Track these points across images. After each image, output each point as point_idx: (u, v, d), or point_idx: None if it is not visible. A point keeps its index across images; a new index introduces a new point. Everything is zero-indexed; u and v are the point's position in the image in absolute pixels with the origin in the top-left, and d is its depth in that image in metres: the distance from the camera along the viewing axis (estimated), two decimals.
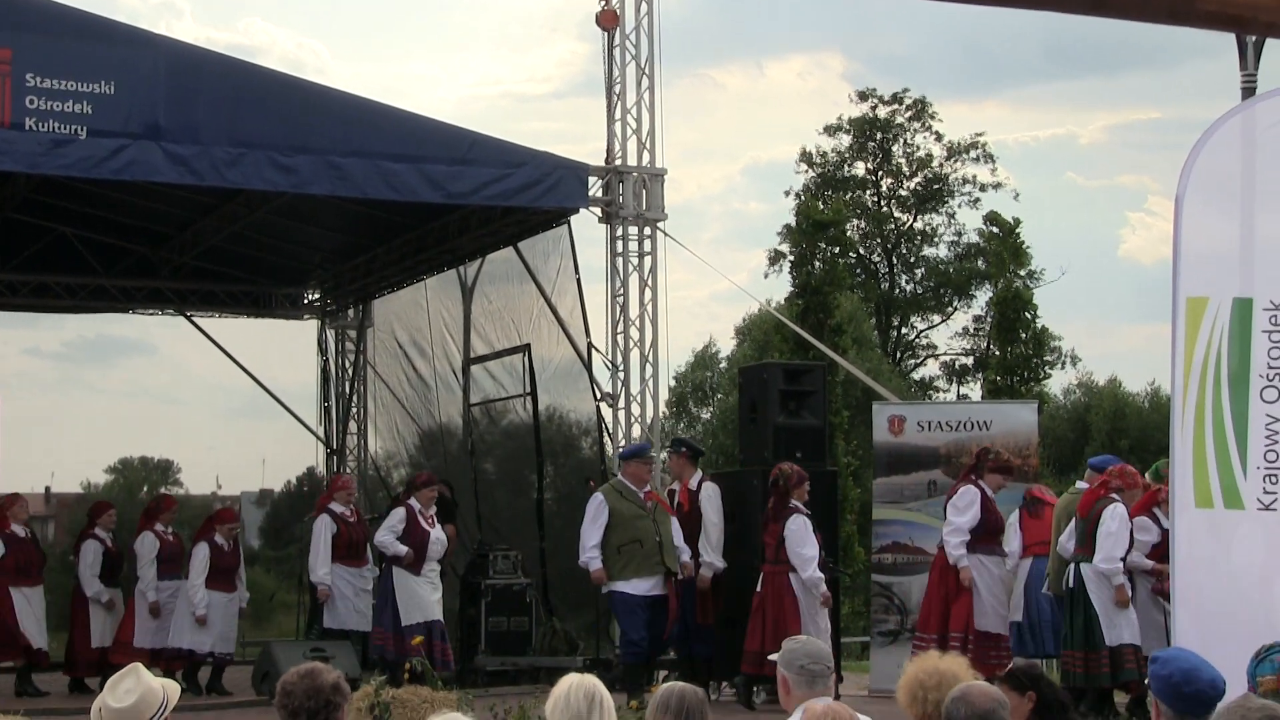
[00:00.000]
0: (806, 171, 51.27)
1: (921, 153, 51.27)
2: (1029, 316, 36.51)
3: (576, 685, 5.53)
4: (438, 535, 14.43)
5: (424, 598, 14.21)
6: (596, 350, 15.91)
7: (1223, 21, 5.72)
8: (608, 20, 15.64)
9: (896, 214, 52.29)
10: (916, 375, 51.57)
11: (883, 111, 50.99)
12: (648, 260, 15.53)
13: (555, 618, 16.18)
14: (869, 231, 51.99)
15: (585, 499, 15.44)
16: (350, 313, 20.97)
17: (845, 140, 51.14)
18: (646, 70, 15.68)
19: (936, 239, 52.06)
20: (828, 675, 6.25)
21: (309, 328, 21.25)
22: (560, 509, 17.40)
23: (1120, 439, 40.74)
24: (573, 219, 15.96)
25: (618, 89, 15.68)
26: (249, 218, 17.32)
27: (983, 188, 50.75)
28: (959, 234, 51.60)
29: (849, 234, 44.95)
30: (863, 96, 51.19)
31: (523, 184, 14.65)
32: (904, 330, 52.92)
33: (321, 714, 5.43)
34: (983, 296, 49.67)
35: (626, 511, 13.42)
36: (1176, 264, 9.40)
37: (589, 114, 73.15)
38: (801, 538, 13.04)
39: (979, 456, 13.31)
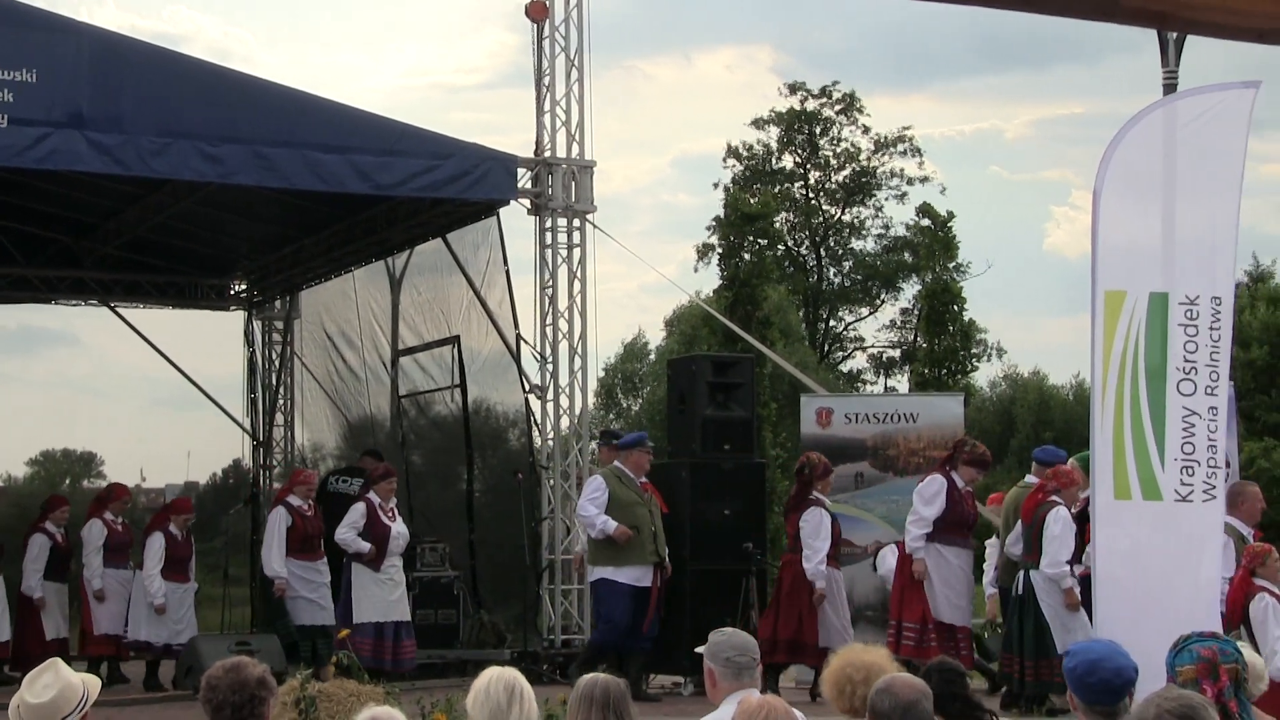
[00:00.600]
0: (734, 165, 51.45)
1: (849, 146, 51.54)
2: (957, 309, 36.82)
3: (496, 678, 5.51)
4: (399, 529, 14.17)
5: (381, 596, 13.92)
6: (525, 342, 15.88)
7: (1146, 18, 5.78)
8: (537, 12, 15.59)
9: (825, 207, 52.52)
10: (844, 368, 51.86)
11: (811, 105, 51.20)
12: (577, 252, 15.50)
13: (483, 610, 16.15)
14: (797, 224, 52.20)
15: (514, 491, 15.45)
16: (277, 304, 20.84)
17: (774, 133, 51.33)
18: (576, 62, 15.66)
19: (864, 232, 52.37)
20: (754, 667, 6.28)
21: (235, 319, 21.11)
22: (488, 501, 17.38)
23: (1045, 431, 41.12)
24: (502, 211, 15.92)
25: (547, 81, 15.65)
26: (174, 208, 17.17)
27: (910, 181, 51.13)
28: (886, 227, 51.96)
29: (777, 226, 45.13)
30: (792, 89, 51.40)
31: (451, 175, 14.59)
32: (832, 323, 53.18)
33: (246, 708, 5.40)
34: (910, 290, 50.04)
35: (625, 498, 13.30)
36: (1095, 257, 9.50)
37: (518, 105, 72.95)
38: (815, 529, 13.09)
39: (955, 447, 13.12)
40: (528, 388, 15.80)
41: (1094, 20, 5.54)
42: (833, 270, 53.13)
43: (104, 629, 15.09)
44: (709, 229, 47.53)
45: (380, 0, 75.46)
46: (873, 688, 5.57)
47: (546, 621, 15.24)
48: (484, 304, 16.65)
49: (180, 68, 13.97)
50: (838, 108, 51.18)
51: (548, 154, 15.49)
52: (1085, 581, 11.43)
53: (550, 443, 15.49)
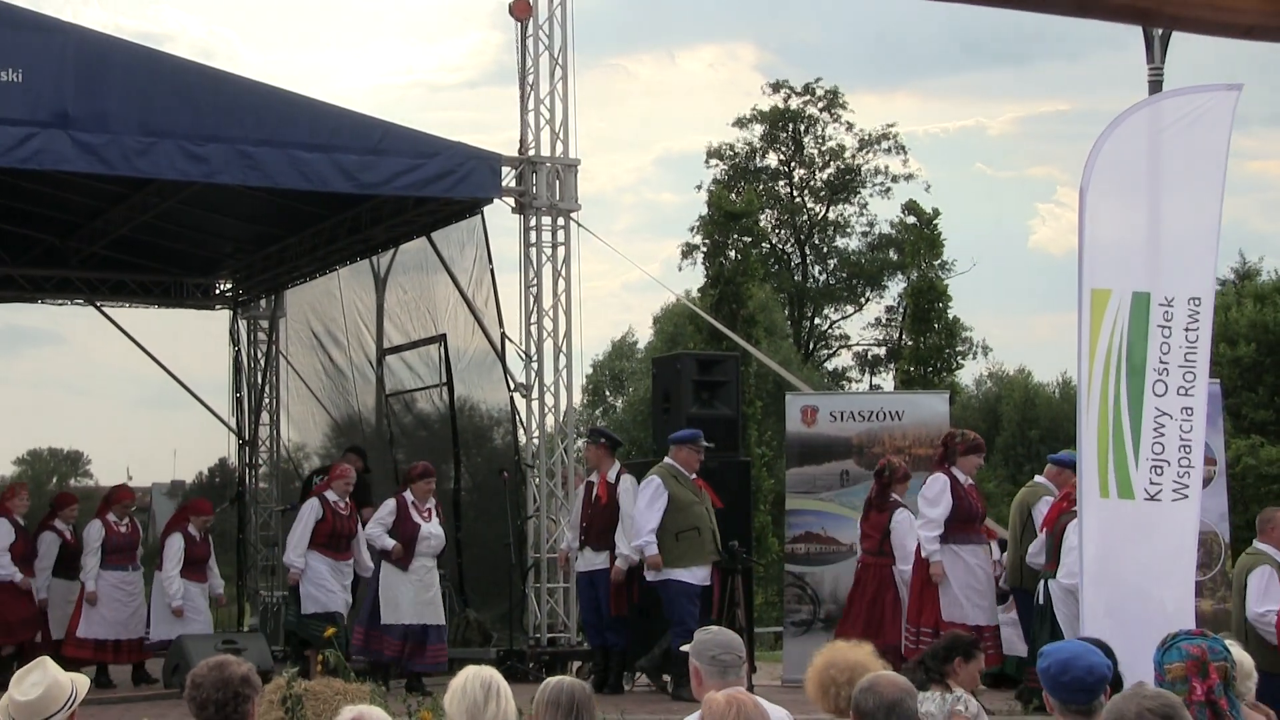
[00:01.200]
0: (717, 165, 51.47)
1: (833, 144, 51.58)
2: (942, 307, 36.84)
3: (474, 676, 5.51)
4: (432, 530, 13.81)
5: (407, 598, 13.62)
6: (510, 340, 15.89)
7: (1130, 14, 5.79)
8: (521, 10, 15.60)
9: (809, 204, 52.55)
10: (829, 365, 51.90)
11: (795, 103, 51.22)
12: (561, 250, 15.52)
13: (469, 609, 16.17)
14: (781, 222, 52.23)
15: (499, 489, 15.46)
16: (263, 303, 20.85)
17: (757, 131, 51.35)
18: (560, 60, 15.67)
19: (849, 230, 52.40)
20: (739, 665, 6.28)
21: (221, 318, 21.14)
22: (474, 499, 17.40)
23: (1030, 429, 41.23)
24: (486, 209, 15.93)
25: (531, 79, 15.67)
26: (160, 207, 17.18)
27: (894, 179, 51.17)
28: (871, 224, 52.00)
29: (761, 224, 45.17)
30: (775, 88, 51.43)
31: (435, 174, 14.59)
32: (817, 321, 53.22)
33: (230, 705, 5.42)
34: (895, 287, 50.09)
35: (683, 497, 13.09)
36: (1081, 255, 9.54)
37: (501, 103, 73.23)
38: (906, 530, 12.92)
39: (946, 443, 12.93)
40: (513, 386, 15.81)
41: (1076, 16, 5.56)
42: (817, 268, 53.19)
43: (91, 633, 14.93)
44: (692, 229, 47.60)
45: None
46: (856, 687, 5.57)
47: (532, 620, 15.25)
48: (469, 302, 16.66)
49: (165, 67, 13.97)
50: (821, 105, 51.23)
51: (531, 152, 15.50)
52: None
53: (535, 441, 15.50)
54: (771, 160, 51.89)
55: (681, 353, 17.47)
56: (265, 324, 20.80)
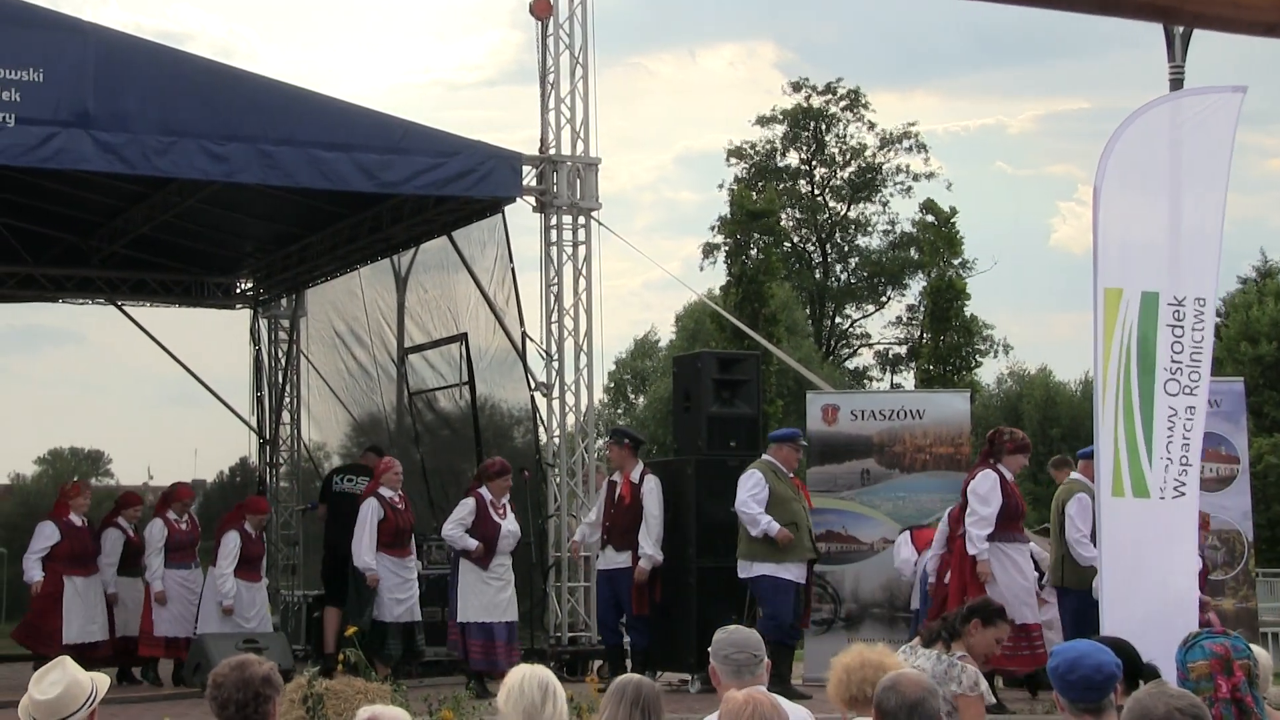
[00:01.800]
0: (737, 164, 51.44)
1: (855, 142, 51.50)
2: (961, 306, 36.74)
3: (530, 675, 5.51)
4: (509, 528, 13.78)
5: (486, 597, 13.56)
6: (531, 339, 15.90)
7: (1152, 12, 5.74)
8: (541, 9, 15.60)
9: (830, 203, 52.49)
10: (850, 364, 51.82)
11: (816, 101, 51.15)
12: (582, 249, 15.52)
13: None
14: (803, 221, 52.18)
15: (520, 488, 15.44)
16: (283, 302, 20.86)
17: (779, 130, 51.30)
18: (580, 59, 15.67)
19: (870, 228, 52.34)
20: (754, 664, 6.25)
21: (241, 317, 21.16)
22: None
23: (1051, 428, 41.10)
24: (507, 208, 15.93)
25: (551, 78, 15.66)
26: (180, 206, 17.21)
27: (915, 177, 51.07)
28: (892, 223, 51.92)
29: (783, 223, 45.12)
30: (796, 87, 51.36)
31: (456, 173, 14.60)
32: (838, 320, 53.14)
33: (251, 705, 5.41)
34: (916, 286, 49.98)
35: (783, 494, 13.09)
36: (1096, 254, 9.53)
37: (521, 102, 73.19)
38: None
39: (992, 440, 12.70)
40: (533, 385, 15.81)
41: (1098, 14, 5.51)
42: (838, 267, 53.12)
43: (163, 631, 15.06)
44: (713, 228, 47.55)
45: None
46: (878, 685, 5.54)
47: (553, 619, 15.25)
48: (490, 301, 16.66)
49: (185, 67, 14.00)
50: (843, 104, 51.16)
51: (552, 151, 15.50)
52: None
53: (556, 440, 15.50)
54: (793, 159, 51.87)
55: (702, 351, 17.45)
56: (286, 323, 20.81)
